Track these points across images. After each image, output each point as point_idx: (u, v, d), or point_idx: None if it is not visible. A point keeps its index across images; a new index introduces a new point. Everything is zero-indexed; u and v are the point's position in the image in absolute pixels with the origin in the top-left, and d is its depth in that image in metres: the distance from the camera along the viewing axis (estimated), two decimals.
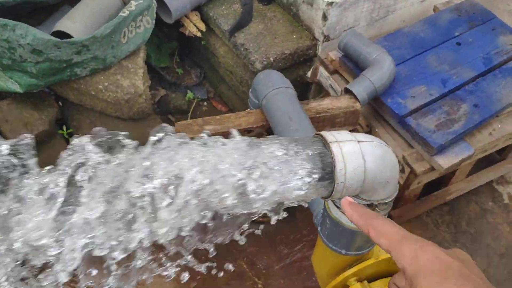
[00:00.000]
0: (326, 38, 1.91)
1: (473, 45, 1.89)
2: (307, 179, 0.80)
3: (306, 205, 0.91)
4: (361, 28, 1.97)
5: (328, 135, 0.85)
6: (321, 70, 1.95)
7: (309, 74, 2.02)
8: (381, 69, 1.65)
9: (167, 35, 2.32)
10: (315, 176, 0.80)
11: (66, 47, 1.62)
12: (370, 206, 0.90)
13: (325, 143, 0.83)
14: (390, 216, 1.86)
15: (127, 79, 1.81)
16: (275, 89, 1.51)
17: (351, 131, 2.19)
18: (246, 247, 1.89)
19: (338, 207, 0.94)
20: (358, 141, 0.85)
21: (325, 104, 1.63)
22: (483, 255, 1.92)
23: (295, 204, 0.87)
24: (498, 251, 1.94)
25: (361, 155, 0.82)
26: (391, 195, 0.91)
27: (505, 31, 1.93)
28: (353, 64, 1.80)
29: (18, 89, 1.71)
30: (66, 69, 1.72)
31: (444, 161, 1.60)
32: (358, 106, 1.64)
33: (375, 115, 1.78)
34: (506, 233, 2.00)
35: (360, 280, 1.08)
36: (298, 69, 2.03)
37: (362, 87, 1.64)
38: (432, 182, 1.87)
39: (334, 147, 0.82)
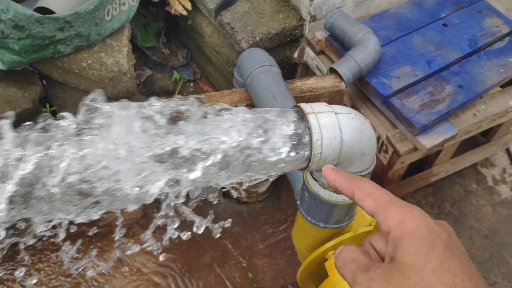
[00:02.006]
0: (313, 18, 1.91)
1: (459, 27, 1.89)
2: (284, 149, 0.80)
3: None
4: (348, 9, 1.96)
5: (306, 106, 0.85)
6: (308, 50, 1.94)
7: (295, 54, 2.01)
8: (366, 49, 1.65)
9: (154, 15, 2.30)
10: (292, 146, 0.80)
11: (49, 23, 1.60)
12: None
13: (303, 114, 0.83)
14: None
15: (111, 57, 1.79)
16: (259, 67, 1.50)
17: None
18: (231, 227, 1.89)
19: (316, 180, 0.95)
20: (336, 113, 0.85)
21: (309, 83, 1.63)
22: (466, 237, 1.94)
23: (273, 177, 0.87)
24: (481, 233, 1.96)
25: (338, 126, 0.82)
26: (368, 168, 0.91)
27: (491, 13, 1.94)
28: (339, 44, 1.79)
29: (1, 66, 1.69)
30: (49, 46, 1.70)
31: (427, 141, 1.60)
32: (342, 86, 1.64)
33: (360, 96, 1.79)
34: (489, 215, 2.02)
35: None
36: (285, 50, 2.03)
37: (347, 67, 1.63)
38: (416, 163, 1.88)
39: (311, 118, 0.82)
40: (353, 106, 1.79)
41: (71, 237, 0.74)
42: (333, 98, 1.66)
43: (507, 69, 1.77)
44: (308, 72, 2.04)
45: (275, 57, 2.04)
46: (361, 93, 1.78)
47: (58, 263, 1.72)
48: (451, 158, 1.99)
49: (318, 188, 0.95)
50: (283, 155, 0.79)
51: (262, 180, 0.87)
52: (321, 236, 1.07)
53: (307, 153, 0.81)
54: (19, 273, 1.43)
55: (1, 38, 1.62)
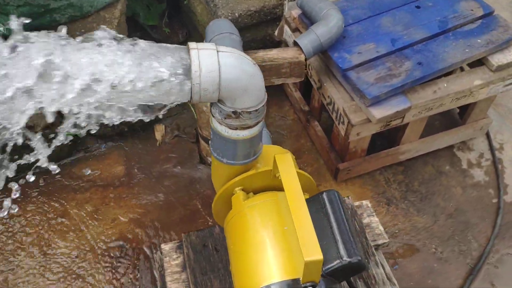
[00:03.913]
0: None
1: (432, 9, 1.94)
2: (170, 78, 0.94)
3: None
4: None
5: (192, 43, 0.98)
6: (286, 28, 2.05)
7: (276, 32, 2.12)
8: (327, 24, 1.74)
9: None
10: (176, 75, 0.94)
11: None
12: (235, 113, 1.03)
13: (188, 50, 0.96)
14: (337, 169, 1.95)
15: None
16: (218, 34, 1.63)
17: (294, 83, 2.31)
18: (203, 190, 2.03)
19: (213, 116, 1.07)
20: (218, 51, 0.98)
21: (271, 54, 1.74)
22: (430, 214, 1.99)
23: (167, 106, 1.01)
24: (446, 211, 2.00)
25: (217, 61, 0.95)
26: (255, 106, 1.03)
27: None
28: (309, 21, 1.89)
29: (3, 31, 1.91)
30: (45, 14, 1.90)
31: (378, 112, 1.68)
32: (302, 57, 1.74)
33: (326, 70, 1.88)
34: (458, 196, 2.05)
35: (246, 191, 1.20)
36: (267, 28, 2.14)
37: (308, 39, 1.73)
38: (387, 141, 1.96)
39: (193, 52, 0.95)
40: (319, 80, 1.89)
41: None
42: (294, 69, 1.76)
43: (472, 49, 1.81)
44: None
45: (257, 34, 2.17)
46: (327, 68, 1.87)
47: None
48: (422, 138, 2.04)
49: (216, 123, 1.08)
50: (165, 76, 0.91)
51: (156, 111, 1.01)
52: (228, 173, 1.19)
53: (188, 82, 0.94)
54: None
55: (3, 5, 1.84)
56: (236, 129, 1.04)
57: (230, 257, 1.18)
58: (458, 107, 2.16)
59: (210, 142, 1.16)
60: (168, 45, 0.97)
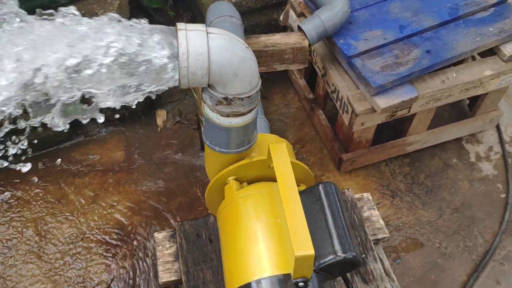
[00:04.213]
0: None
1: None
2: (157, 61, 0.89)
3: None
4: None
5: (181, 24, 0.93)
6: (291, 13, 1.99)
7: (281, 17, 2.06)
8: (333, 9, 1.68)
9: None
10: (163, 57, 0.89)
11: None
12: (226, 100, 0.98)
13: (176, 30, 0.91)
14: (341, 159, 1.90)
15: (102, 9, 1.93)
16: (219, 17, 1.58)
17: (300, 70, 2.25)
18: (204, 177, 1.99)
19: (204, 102, 1.03)
20: (208, 32, 0.92)
21: (274, 39, 1.68)
22: (435, 207, 1.93)
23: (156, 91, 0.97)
24: (452, 205, 1.94)
25: (206, 44, 0.90)
26: (246, 92, 0.98)
27: None
28: (314, 6, 1.83)
29: None
30: None
31: (383, 101, 1.62)
32: (306, 43, 1.68)
33: (331, 57, 1.82)
34: (465, 190, 1.99)
35: (240, 181, 1.16)
36: (272, 12, 2.08)
37: (312, 25, 1.67)
38: (393, 132, 1.91)
39: (181, 34, 0.90)
40: (324, 67, 1.83)
41: None
42: (297, 54, 1.70)
43: (484, 38, 1.74)
44: None
45: (262, 19, 2.11)
46: (332, 55, 1.81)
47: None
48: (430, 129, 1.98)
49: (207, 110, 1.03)
50: (152, 56, 0.87)
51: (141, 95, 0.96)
52: (222, 162, 1.15)
53: (175, 65, 0.89)
54: None
55: None
56: (228, 116, 0.99)
57: (221, 248, 1.14)
58: (468, 98, 2.09)
59: (202, 129, 1.12)
60: (159, 26, 0.92)
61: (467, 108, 2.13)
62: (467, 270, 1.79)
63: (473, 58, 1.90)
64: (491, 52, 1.80)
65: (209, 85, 0.95)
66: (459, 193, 1.97)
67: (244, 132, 1.06)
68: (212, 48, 0.90)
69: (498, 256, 1.83)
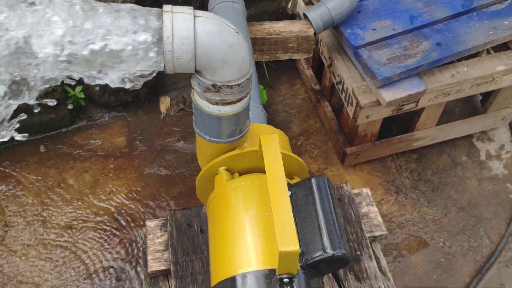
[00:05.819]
0: None
1: None
2: (141, 45, 0.85)
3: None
4: None
5: (167, 6, 0.89)
6: (299, 0, 1.94)
7: (289, 5, 2.01)
8: None
9: None
10: (147, 41, 0.85)
11: None
12: (215, 87, 0.94)
13: (161, 13, 0.87)
14: (344, 153, 1.85)
15: None
16: (221, 2, 1.54)
17: (307, 59, 2.19)
18: None
19: (193, 89, 0.99)
20: (195, 16, 0.88)
21: (278, 26, 1.64)
22: (441, 205, 1.87)
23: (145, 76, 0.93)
24: (459, 204, 1.88)
25: (192, 27, 0.86)
26: (235, 79, 0.94)
27: None
28: None
29: None
30: None
31: (389, 95, 1.56)
32: (311, 32, 1.63)
33: (337, 47, 1.76)
34: (472, 188, 1.93)
35: (231, 172, 1.12)
36: (281, 0, 2.03)
37: (318, 13, 1.62)
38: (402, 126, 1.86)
39: (166, 16, 0.86)
40: (330, 57, 1.78)
41: None
42: (302, 43, 1.65)
43: (497, 32, 1.67)
44: None
45: (270, 6, 2.06)
46: (339, 45, 1.76)
47: None
48: (439, 125, 1.92)
49: (196, 97, 0.99)
50: (136, 39, 0.84)
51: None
52: (212, 151, 1.11)
53: (158, 48, 0.85)
54: None
55: None
56: (217, 104, 0.96)
57: (209, 239, 1.11)
58: (481, 94, 2.02)
59: (193, 117, 1.08)
60: (139, 8, 0.88)
61: (479, 104, 2.06)
62: (470, 271, 1.74)
63: (488, 52, 1.83)
64: (505, 46, 1.73)
65: (197, 71, 0.91)
66: (466, 191, 1.91)
67: (235, 121, 1.02)
68: (199, 32, 0.86)
69: (503, 258, 1.77)
